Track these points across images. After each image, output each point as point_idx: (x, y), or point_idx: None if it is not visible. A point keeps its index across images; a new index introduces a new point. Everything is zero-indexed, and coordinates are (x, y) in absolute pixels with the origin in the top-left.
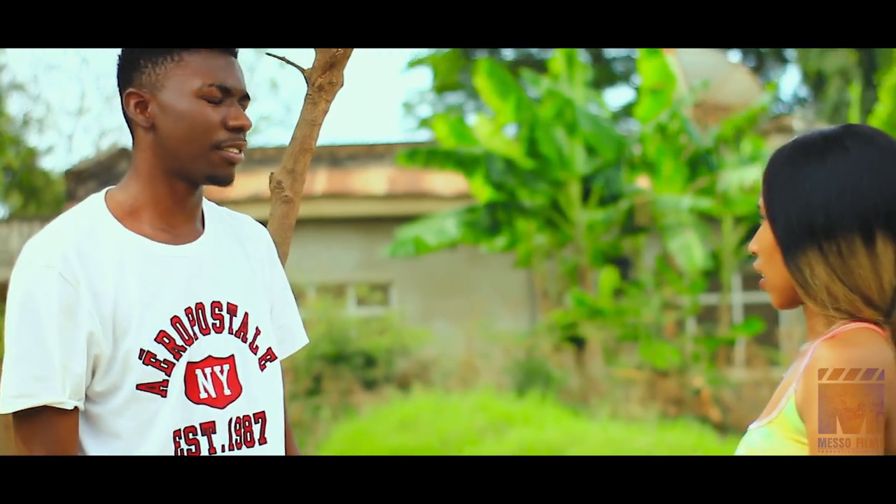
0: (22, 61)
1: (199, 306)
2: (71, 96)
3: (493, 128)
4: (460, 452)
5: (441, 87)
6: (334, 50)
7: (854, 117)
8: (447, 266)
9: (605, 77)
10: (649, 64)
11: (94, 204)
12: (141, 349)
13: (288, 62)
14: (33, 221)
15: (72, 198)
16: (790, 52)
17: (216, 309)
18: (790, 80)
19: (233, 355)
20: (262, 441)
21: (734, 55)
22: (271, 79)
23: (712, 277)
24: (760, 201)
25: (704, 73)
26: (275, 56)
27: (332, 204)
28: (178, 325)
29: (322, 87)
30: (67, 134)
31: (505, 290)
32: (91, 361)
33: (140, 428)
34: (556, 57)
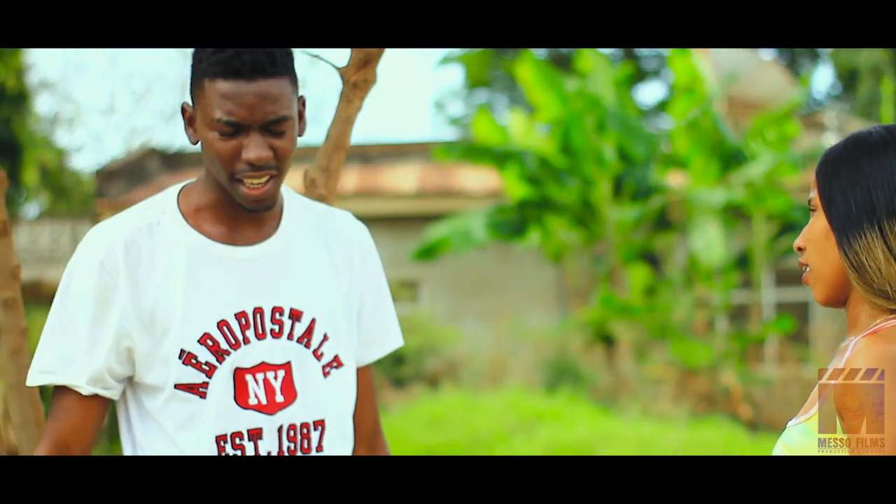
0: (51, 61)
1: (258, 311)
2: (101, 96)
3: (527, 125)
4: (490, 451)
5: (472, 85)
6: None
7: (887, 114)
8: (477, 264)
9: (636, 74)
10: (680, 61)
11: (168, 196)
12: (182, 349)
13: (323, 59)
14: (63, 220)
15: (102, 196)
16: (823, 49)
17: (277, 314)
18: (823, 76)
19: (290, 362)
20: (320, 449)
21: (767, 52)
22: (301, 77)
23: (743, 274)
24: (812, 194)
25: (737, 70)
26: (310, 54)
27: (363, 202)
28: (224, 328)
29: (357, 84)
30: (97, 133)
31: (535, 288)
32: (124, 354)
33: (182, 427)
34: (584, 55)
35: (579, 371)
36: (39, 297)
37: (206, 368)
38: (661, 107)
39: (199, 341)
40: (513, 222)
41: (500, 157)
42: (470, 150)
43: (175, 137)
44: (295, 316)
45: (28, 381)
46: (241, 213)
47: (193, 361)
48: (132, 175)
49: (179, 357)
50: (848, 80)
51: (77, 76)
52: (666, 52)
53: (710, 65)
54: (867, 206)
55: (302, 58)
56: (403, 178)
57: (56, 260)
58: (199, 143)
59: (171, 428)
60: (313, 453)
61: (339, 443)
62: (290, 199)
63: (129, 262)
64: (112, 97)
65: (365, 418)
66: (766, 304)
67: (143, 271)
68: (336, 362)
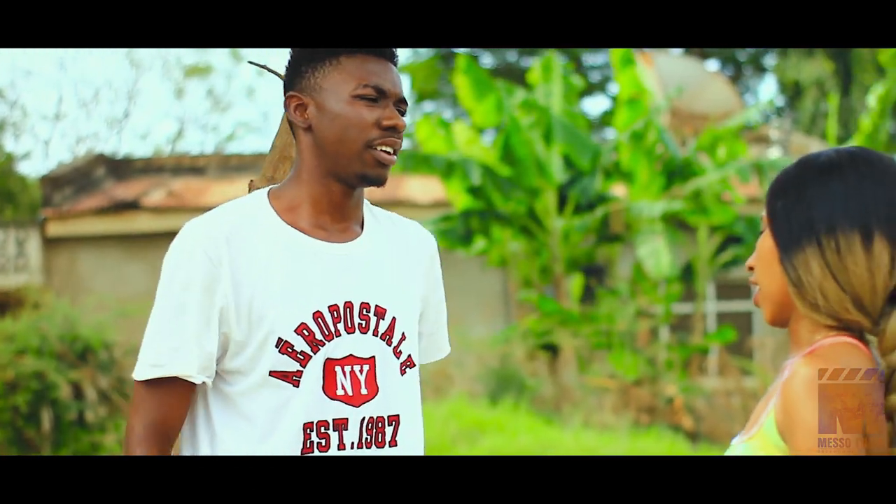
0: None
1: (348, 305)
2: (48, 102)
3: (471, 134)
4: None
5: (420, 95)
6: None
7: (832, 127)
8: None
9: (582, 86)
10: (625, 73)
11: (258, 196)
12: (279, 338)
13: (269, 70)
14: (8, 227)
15: (48, 203)
16: (768, 62)
17: (364, 310)
18: (767, 89)
19: (374, 356)
20: (393, 443)
21: (712, 64)
22: (249, 86)
23: (687, 286)
24: (763, 212)
25: (682, 82)
26: (255, 64)
27: None
28: (319, 319)
29: None
30: (44, 139)
31: (480, 297)
32: (220, 339)
33: (270, 414)
34: (534, 67)
35: (522, 381)
36: None
37: (301, 358)
38: (606, 119)
39: (295, 331)
40: (458, 231)
41: (443, 166)
42: (414, 160)
43: (121, 144)
44: (380, 313)
45: (137, 375)
46: (334, 212)
47: (290, 350)
48: (79, 182)
49: (276, 345)
50: (793, 93)
51: (24, 82)
52: (612, 64)
53: (654, 77)
54: (807, 222)
55: (249, 68)
56: None
57: (1, 267)
58: (313, 125)
59: (258, 415)
60: (387, 447)
61: (411, 439)
62: (368, 206)
63: (231, 252)
64: (59, 103)
65: None
66: (708, 315)
67: (243, 262)
68: (410, 362)
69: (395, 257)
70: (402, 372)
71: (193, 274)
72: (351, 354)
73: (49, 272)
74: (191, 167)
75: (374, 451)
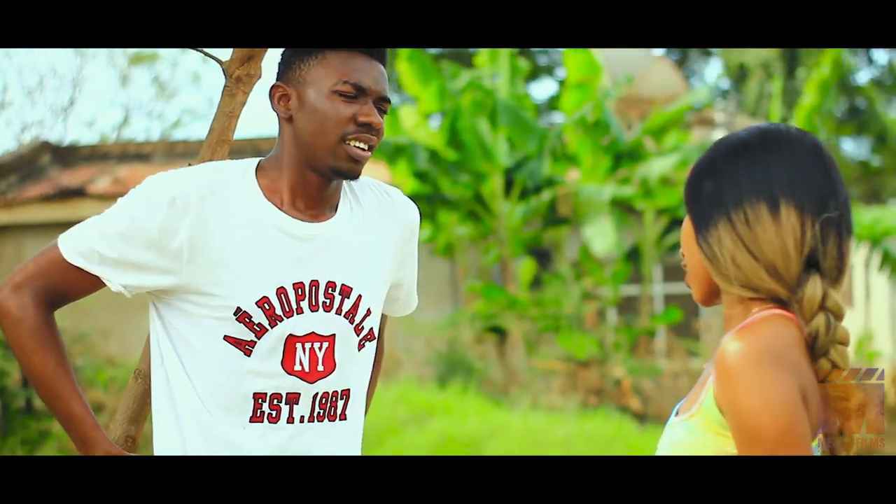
0: None
1: (314, 283)
2: None
3: (417, 118)
4: (381, 443)
5: None
6: None
7: (775, 110)
8: None
9: (529, 70)
10: (573, 57)
11: (248, 166)
12: (238, 307)
13: (207, 55)
14: None
15: None
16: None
17: (330, 289)
18: (713, 72)
19: (334, 334)
20: (343, 417)
21: (657, 48)
22: (194, 72)
23: (634, 269)
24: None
25: (627, 66)
26: (196, 49)
27: None
28: (282, 295)
29: (240, 78)
30: None
31: (428, 282)
32: (167, 281)
33: (224, 375)
34: (480, 50)
35: (471, 364)
36: None
37: (257, 329)
38: (553, 103)
39: (256, 303)
40: None
41: (390, 150)
42: None
43: (67, 132)
44: (345, 292)
45: (65, 254)
46: (309, 197)
47: (247, 320)
48: (24, 170)
49: (235, 313)
50: (738, 76)
51: None
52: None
53: (601, 61)
54: (717, 199)
55: (195, 55)
56: None
57: None
58: (293, 117)
59: (215, 365)
60: (338, 420)
61: (358, 411)
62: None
63: (201, 207)
64: (3, 91)
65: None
66: (655, 297)
67: (213, 221)
68: (370, 335)
69: (367, 233)
70: (361, 347)
71: (153, 215)
72: (313, 332)
73: None
74: (136, 154)
75: (325, 424)
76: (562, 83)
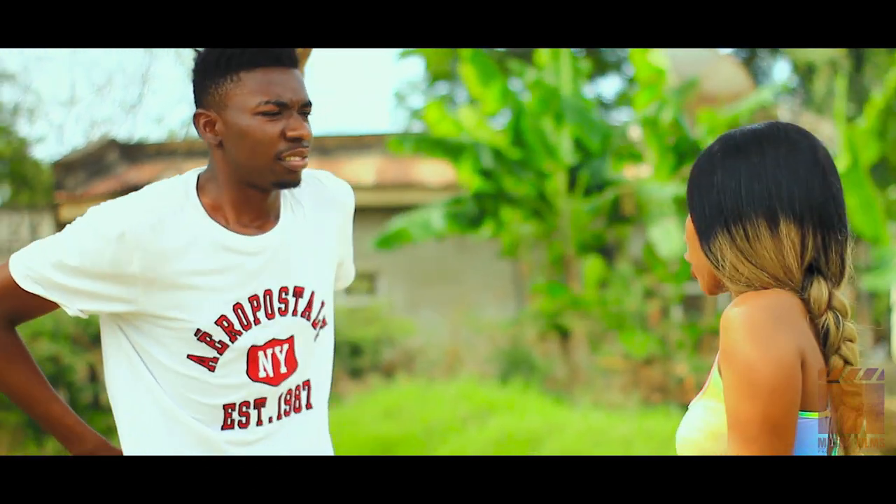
0: (12, 51)
1: (268, 293)
2: (61, 86)
3: (481, 117)
4: (443, 440)
5: (433, 78)
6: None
7: (841, 108)
8: (434, 255)
9: (596, 67)
10: (640, 55)
11: (189, 184)
12: (198, 328)
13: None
14: (22, 212)
15: (61, 188)
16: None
17: (283, 293)
18: (780, 70)
19: (293, 336)
20: (309, 406)
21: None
22: None
23: None
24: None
25: (693, 63)
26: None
27: None
28: (239, 311)
29: None
30: (58, 124)
31: (491, 280)
32: (121, 312)
33: (190, 390)
34: (542, 49)
35: (533, 362)
36: None
37: (219, 346)
38: (620, 100)
39: (215, 322)
40: (469, 214)
41: (453, 149)
42: (424, 143)
43: (135, 129)
44: (298, 293)
45: (16, 275)
46: (251, 211)
47: (208, 339)
48: (92, 167)
49: (195, 334)
50: (805, 74)
51: (38, 67)
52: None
53: (667, 59)
54: (717, 208)
55: None
56: (362, 170)
57: (15, 251)
58: (223, 142)
59: (183, 381)
60: (304, 411)
61: (321, 398)
62: None
63: (153, 238)
64: (73, 88)
65: None
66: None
67: (166, 250)
68: (324, 323)
69: (310, 228)
70: (316, 336)
71: (103, 248)
72: (273, 338)
73: None
74: (203, 151)
75: (292, 418)
76: (629, 80)
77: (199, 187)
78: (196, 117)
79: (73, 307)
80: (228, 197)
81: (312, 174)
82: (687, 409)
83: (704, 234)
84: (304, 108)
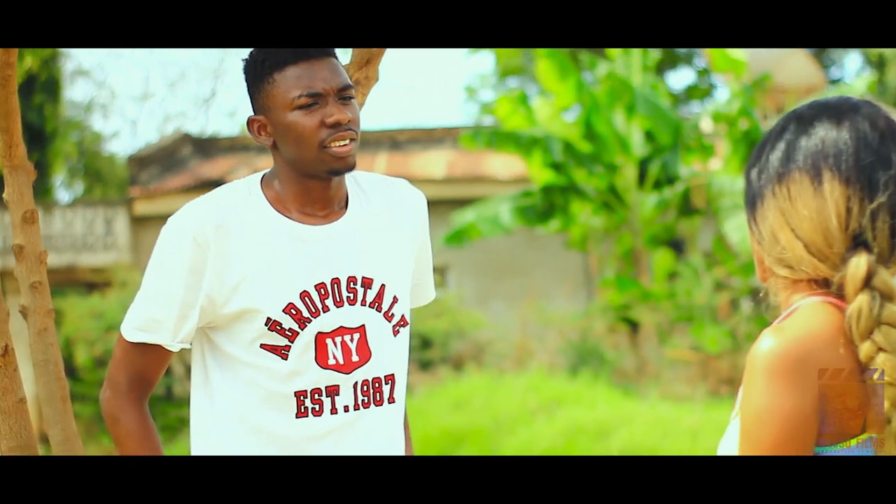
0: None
1: (335, 281)
2: (135, 82)
3: (552, 111)
4: (511, 432)
5: (503, 72)
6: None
7: None
8: (504, 249)
9: (667, 59)
10: (715, 48)
11: (252, 182)
12: (268, 317)
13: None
14: (97, 206)
15: (135, 183)
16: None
17: (351, 283)
18: (852, 62)
19: (364, 325)
20: (391, 400)
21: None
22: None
23: None
24: None
25: (763, 55)
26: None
27: None
28: (306, 298)
29: (359, 81)
30: (132, 119)
31: (561, 273)
32: (209, 315)
33: (264, 382)
34: None
35: (602, 354)
36: (73, 281)
37: (290, 334)
38: (691, 92)
39: (283, 311)
40: (538, 207)
41: (525, 143)
42: (495, 137)
43: (208, 123)
44: (366, 284)
45: (125, 335)
46: (316, 201)
47: (278, 328)
48: (165, 161)
49: (266, 324)
50: (878, 66)
51: (112, 63)
52: None
53: (741, 52)
54: (764, 176)
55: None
56: (432, 163)
57: (89, 245)
58: (276, 142)
59: (252, 381)
60: (386, 404)
61: (403, 394)
62: (353, 177)
63: (219, 237)
64: (146, 83)
65: None
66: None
67: (232, 246)
68: (403, 322)
69: (381, 224)
70: (396, 333)
71: (182, 256)
72: (341, 326)
73: (136, 250)
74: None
75: (371, 410)
76: (699, 73)
77: (264, 184)
78: (249, 123)
79: (174, 342)
80: (291, 191)
81: (387, 178)
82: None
83: (752, 206)
84: (342, 92)
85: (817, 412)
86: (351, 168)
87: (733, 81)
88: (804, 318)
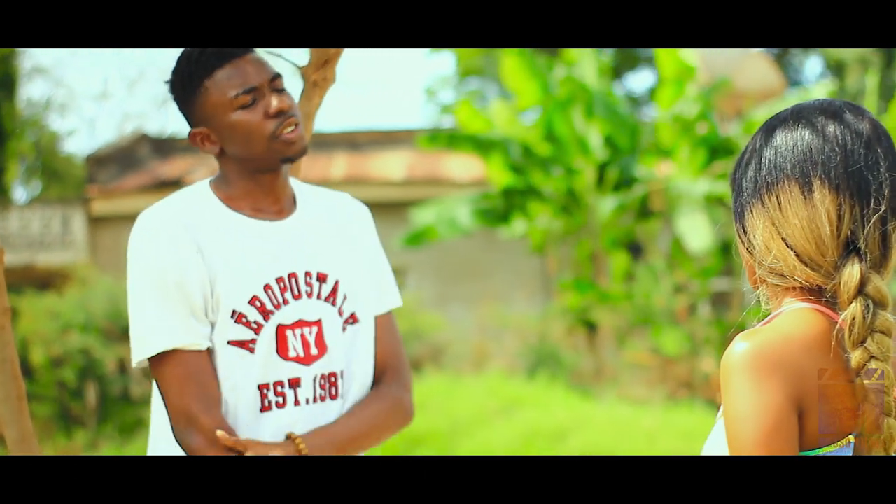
0: (42, 48)
1: (292, 275)
2: (94, 81)
3: (511, 113)
4: (469, 434)
5: (464, 73)
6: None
7: (871, 105)
8: (463, 251)
9: (626, 62)
10: (668, 52)
11: (201, 187)
12: (234, 310)
13: (284, 59)
14: (54, 205)
15: (92, 182)
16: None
17: (307, 277)
18: (811, 67)
19: (321, 319)
20: (340, 396)
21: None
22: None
23: (725, 263)
24: None
25: (722, 59)
26: (272, 54)
27: (351, 189)
28: (269, 291)
29: (316, 83)
30: (90, 118)
31: (520, 275)
32: (214, 301)
33: (228, 380)
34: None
35: (560, 357)
36: (30, 280)
37: (255, 326)
38: (651, 95)
39: (248, 302)
40: (497, 209)
41: (484, 145)
42: (454, 139)
43: (167, 123)
44: (321, 279)
45: (141, 356)
46: (267, 196)
47: (244, 320)
48: (123, 160)
49: (232, 317)
50: (837, 71)
51: (70, 61)
52: None
53: (695, 55)
54: (752, 183)
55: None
56: (392, 165)
57: (47, 245)
58: (223, 147)
59: (227, 370)
60: (339, 399)
61: (354, 391)
62: (297, 184)
63: (189, 234)
64: (105, 82)
65: (381, 360)
66: (747, 291)
67: (199, 243)
68: (352, 318)
69: (330, 225)
70: (343, 329)
71: (163, 257)
72: (300, 319)
73: (94, 250)
74: None
75: (327, 404)
76: (658, 76)
77: (213, 187)
78: (192, 137)
79: (198, 335)
80: (242, 189)
81: (329, 190)
82: (710, 404)
83: (740, 215)
84: (274, 83)
85: (796, 412)
86: (304, 152)
87: (684, 85)
88: (784, 322)
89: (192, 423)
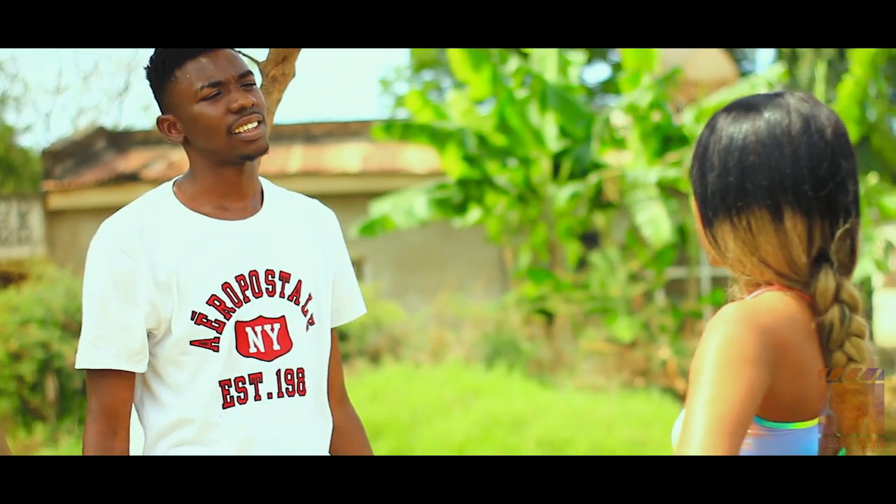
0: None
1: (253, 273)
2: (49, 75)
3: (467, 104)
4: (428, 424)
5: (418, 65)
6: None
7: (820, 92)
8: (420, 241)
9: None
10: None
11: (163, 189)
12: (193, 310)
13: (244, 55)
14: (11, 199)
15: (49, 176)
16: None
17: (269, 276)
18: (763, 56)
19: (284, 316)
20: (307, 392)
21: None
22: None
23: (680, 251)
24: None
25: (676, 50)
26: (233, 49)
27: (307, 181)
28: (228, 289)
29: (276, 78)
30: (45, 112)
31: (477, 265)
32: (153, 321)
33: (189, 378)
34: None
35: (518, 346)
36: None
37: (216, 325)
38: (607, 87)
39: (207, 302)
40: (454, 199)
41: (439, 136)
42: (408, 129)
43: (122, 117)
44: (284, 278)
45: (77, 364)
46: (232, 193)
47: (204, 321)
48: (80, 154)
49: (192, 318)
50: (789, 59)
51: (25, 55)
52: None
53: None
54: (720, 195)
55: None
56: (347, 157)
57: (3, 239)
58: (187, 136)
59: (177, 380)
60: (307, 395)
61: (316, 388)
62: (267, 185)
63: (143, 242)
64: (60, 76)
65: (332, 375)
66: (703, 279)
67: (157, 250)
68: (311, 321)
69: (297, 228)
70: (307, 328)
71: (113, 270)
72: (260, 316)
73: (52, 244)
74: None
75: (295, 400)
76: (615, 67)
77: (176, 188)
78: (159, 123)
79: (123, 358)
80: (206, 184)
81: (298, 194)
82: (666, 391)
83: (707, 221)
84: (243, 79)
85: (764, 386)
86: (264, 151)
87: (640, 75)
88: (767, 298)
89: (85, 423)
